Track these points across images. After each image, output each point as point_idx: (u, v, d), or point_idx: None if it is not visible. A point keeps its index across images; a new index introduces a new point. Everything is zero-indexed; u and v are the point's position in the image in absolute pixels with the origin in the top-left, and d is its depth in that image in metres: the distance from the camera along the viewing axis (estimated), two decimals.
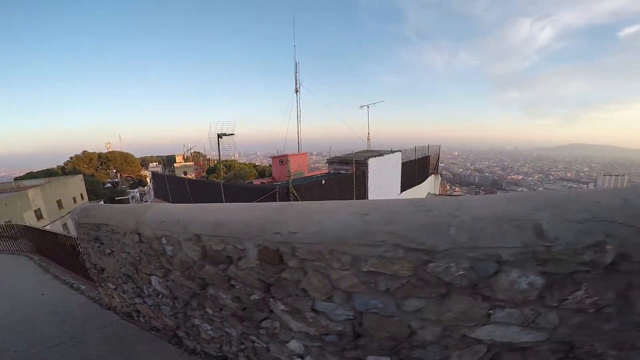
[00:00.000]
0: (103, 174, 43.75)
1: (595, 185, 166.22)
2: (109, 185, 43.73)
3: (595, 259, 1.00)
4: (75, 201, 29.57)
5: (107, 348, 2.74)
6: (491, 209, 1.18)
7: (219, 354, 2.23)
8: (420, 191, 13.16)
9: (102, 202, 34.58)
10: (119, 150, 64.60)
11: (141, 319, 3.05)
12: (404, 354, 1.32)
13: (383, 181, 9.46)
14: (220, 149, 11.30)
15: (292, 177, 13.43)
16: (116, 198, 32.23)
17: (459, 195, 20.42)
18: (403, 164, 11.60)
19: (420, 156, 14.50)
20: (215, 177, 41.14)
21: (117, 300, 3.35)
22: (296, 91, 18.19)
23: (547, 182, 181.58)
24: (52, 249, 6.17)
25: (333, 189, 7.43)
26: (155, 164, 66.29)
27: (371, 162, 8.49)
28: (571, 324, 1.07)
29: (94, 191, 35.61)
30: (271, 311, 1.62)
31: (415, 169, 12.44)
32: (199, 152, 78.41)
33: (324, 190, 7.15)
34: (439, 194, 16.02)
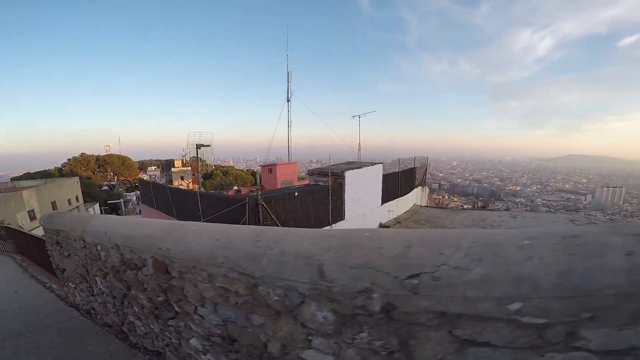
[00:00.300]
0: (100, 176, 43.97)
1: (593, 197, 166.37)
2: (105, 188, 43.91)
3: (365, 304, 1.04)
4: (70, 203, 29.79)
5: (59, 340, 3.06)
6: (298, 244, 1.31)
7: (154, 349, 2.51)
8: (404, 203, 13.44)
9: (97, 205, 34.84)
10: (118, 153, 64.91)
11: (97, 315, 3.35)
12: None
13: (362, 193, 9.75)
14: (199, 158, 11.56)
15: (280, 187, 13.68)
16: (108, 202, 32.45)
17: (445, 207, 20.80)
18: (385, 176, 11.88)
19: (405, 168, 14.82)
20: (212, 183, 41.35)
21: (79, 298, 3.67)
22: (288, 100, 18.63)
23: (545, 193, 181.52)
24: (32, 250, 6.46)
25: (307, 201, 7.70)
26: (154, 167, 66.51)
27: (348, 174, 8.78)
28: None
29: (90, 194, 35.82)
30: (177, 312, 1.91)
31: (399, 180, 12.71)
32: (197, 157, 78.80)
33: (297, 203, 7.42)
34: (426, 206, 16.29)
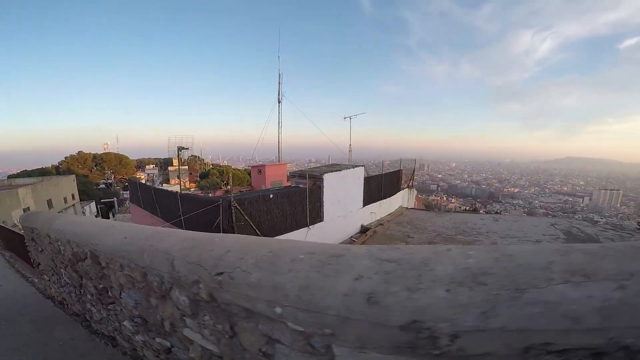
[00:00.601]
0: (97, 175, 44.23)
1: (590, 199, 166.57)
2: (102, 186, 44.18)
3: (199, 292, 1.32)
4: (66, 201, 30.07)
5: (31, 327, 3.43)
6: (167, 243, 1.64)
7: (109, 334, 2.85)
8: (388, 205, 13.77)
9: (93, 203, 35.12)
10: (116, 151, 65.17)
11: (67, 305, 3.71)
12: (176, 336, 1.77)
13: (342, 196, 10.08)
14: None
15: (270, 187, 14.00)
16: (102, 200, 32.76)
17: (430, 210, 21.07)
18: (368, 178, 12.22)
19: (390, 170, 15.17)
20: (208, 182, 41.65)
21: (53, 290, 4.04)
22: (279, 102, 19.00)
23: (543, 195, 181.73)
24: (18, 246, 6.80)
25: (283, 203, 8.02)
26: (152, 166, 66.77)
27: (327, 177, 9.11)
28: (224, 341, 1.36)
29: (87, 192, 36.10)
30: (110, 297, 2.26)
31: (382, 183, 13.04)
32: (195, 156, 78.98)
33: (272, 205, 7.75)
34: (412, 208, 16.62)
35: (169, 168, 52.03)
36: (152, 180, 53.27)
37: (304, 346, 0.98)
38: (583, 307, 0.68)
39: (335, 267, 1.01)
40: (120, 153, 51.79)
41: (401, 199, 16.25)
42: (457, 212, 17.58)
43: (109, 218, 33.73)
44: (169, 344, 1.76)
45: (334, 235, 10.00)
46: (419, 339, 0.77)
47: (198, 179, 51.24)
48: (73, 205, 31.20)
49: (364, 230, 11.59)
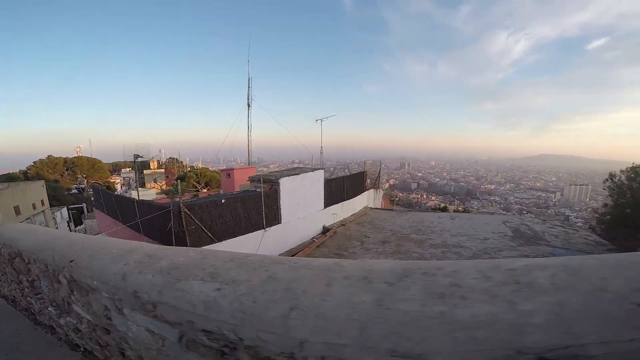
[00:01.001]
0: (69, 179, 43.08)
1: (562, 195, 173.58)
2: (74, 191, 43.10)
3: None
4: (35, 207, 29.30)
5: None
6: (51, 242, 2.25)
7: (50, 324, 3.23)
8: (351, 206, 14.33)
9: (64, 209, 34.30)
10: (89, 155, 63.37)
11: (16, 302, 4.05)
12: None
13: (300, 198, 10.56)
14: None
15: (238, 190, 14.29)
16: (70, 206, 32.13)
17: (392, 210, 21.82)
18: (330, 181, 12.75)
19: (354, 172, 15.79)
20: (185, 186, 41.28)
21: (5, 289, 4.36)
22: (248, 106, 19.29)
23: (518, 191, 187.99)
24: None
25: (236, 207, 8.42)
26: (128, 169, 65.28)
27: (283, 181, 9.55)
28: None
29: (57, 197, 35.20)
30: (35, 287, 2.67)
31: (345, 185, 13.61)
32: (174, 158, 77.68)
33: (225, 209, 8.12)
34: (376, 208, 17.28)
35: (145, 172, 51.13)
36: (129, 184, 52.20)
37: (115, 308, 1.50)
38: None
39: (119, 254, 1.62)
40: (93, 157, 50.59)
41: (366, 199, 16.90)
42: (418, 211, 18.38)
43: (81, 223, 33.11)
44: (75, 321, 2.19)
45: (293, 236, 10.48)
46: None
47: (175, 182, 50.55)
48: (43, 211, 30.39)
49: (325, 231, 12.12)
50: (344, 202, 13.77)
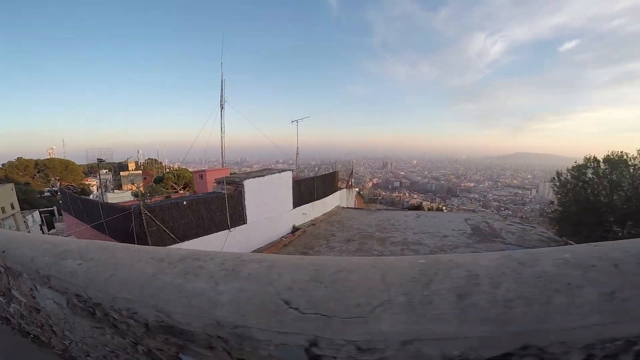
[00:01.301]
0: (41, 182, 41.80)
1: (537, 192, 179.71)
2: (47, 194, 41.84)
3: None
4: (4, 211, 28.41)
5: None
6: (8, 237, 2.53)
7: (5, 315, 3.45)
8: (322, 205, 14.73)
9: (36, 212, 33.31)
10: (63, 156, 61.36)
11: None
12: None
13: (267, 199, 10.87)
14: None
15: (211, 191, 14.43)
16: (42, 209, 31.32)
17: (363, 209, 22.24)
18: (299, 181, 13.11)
19: (328, 172, 16.21)
20: (163, 187, 40.72)
21: None
22: (221, 107, 19.41)
23: (496, 188, 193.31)
24: None
25: (199, 209, 8.68)
26: (105, 171, 63.63)
27: (247, 182, 9.84)
28: None
29: (28, 201, 34.18)
30: None
31: (315, 185, 13.99)
32: (153, 159, 76.12)
33: (188, 211, 8.36)
34: (348, 207, 17.74)
35: (121, 173, 50.14)
36: (105, 187, 50.90)
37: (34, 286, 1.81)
38: None
39: (36, 245, 1.94)
40: (67, 159, 49.18)
41: (339, 199, 17.36)
42: (388, 209, 18.97)
43: (53, 226, 32.24)
44: (18, 307, 2.46)
45: (260, 236, 10.79)
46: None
47: (153, 183, 49.76)
48: (13, 215, 29.50)
49: (295, 230, 12.48)
50: (315, 202, 14.17)
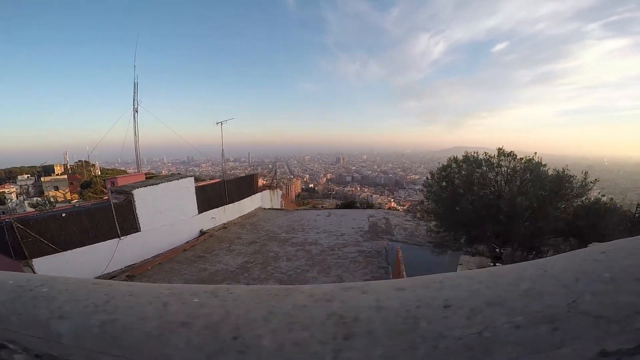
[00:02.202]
0: None
1: None
2: None
3: None
4: None
5: None
6: None
7: None
8: (237, 208, 14.91)
9: None
10: None
11: None
12: None
13: (164, 206, 10.83)
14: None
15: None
16: None
17: (281, 209, 22.61)
18: (205, 187, 13.17)
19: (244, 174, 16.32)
20: (91, 193, 37.74)
21: None
22: (135, 111, 18.67)
23: None
24: None
25: (82, 221, 8.48)
26: (26, 176, 57.16)
27: (137, 191, 9.73)
28: None
29: None
30: None
31: (226, 189, 14.12)
32: (83, 161, 69.89)
33: (68, 221, 8.15)
34: (268, 208, 18.05)
35: (42, 178, 45.50)
36: (27, 193, 45.87)
37: None
38: None
39: None
40: None
41: (260, 200, 17.63)
42: (305, 209, 19.60)
43: None
44: None
45: (160, 242, 10.71)
46: None
47: (80, 189, 46.01)
48: None
49: (202, 234, 12.54)
50: (227, 205, 14.30)
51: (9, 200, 40.95)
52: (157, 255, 10.37)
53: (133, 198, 9.63)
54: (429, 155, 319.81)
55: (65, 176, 50.11)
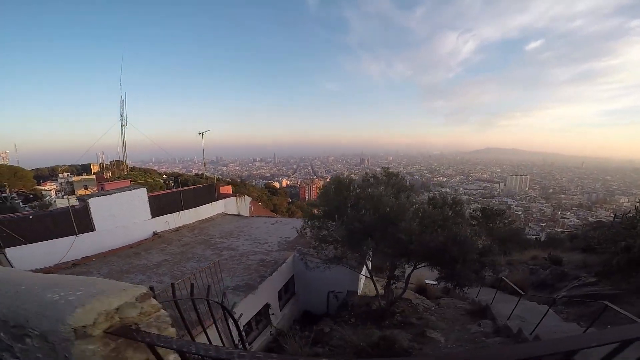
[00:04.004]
0: None
1: (505, 184, 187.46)
2: None
3: None
4: None
5: None
6: None
7: None
8: (195, 213, 17.80)
9: None
10: (16, 161, 62.16)
11: None
12: None
13: (119, 211, 13.92)
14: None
15: None
16: None
17: (240, 216, 24.72)
18: (159, 196, 16.16)
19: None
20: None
21: None
22: (122, 125, 22.04)
23: (467, 182, 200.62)
24: None
25: (46, 221, 11.71)
26: (67, 174, 63.99)
27: (92, 200, 12.77)
28: None
29: None
30: None
31: (182, 197, 17.11)
32: (118, 161, 76.71)
33: (35, 221, 11.42)
34: (229, 214, 20.83)
35: (73, 178, 51.19)
36: (64, 191, 51.64)
37: None
38: None
39: None
40: (18, 164, 50.67)
41: (224, 207, 20.49)
42: (261, 216, 22.07)
43: None
44: None
45: (114, 240, 13.67)
46: None
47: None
48: None
49: (154, 235, 15.56)
50: (183, 211, 17.30)
51: (47, 197, 47.18)
52: (110, 251, 13.46)
53: (89, 205, 12.81)
54: (459, 157, 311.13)
55: (94, 176, 55.72)
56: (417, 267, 9.37)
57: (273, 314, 10.54)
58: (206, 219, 18.78)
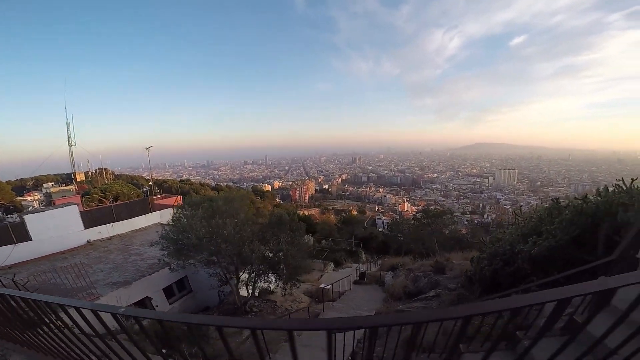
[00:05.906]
0: None
1: (494, 179, 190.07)
2: None
3: None
4: None
5: None
6: None
7: None
8: (129, 224, 21.30)
9: None
10: None
11: None
12: None
13: (53, 224, 17.50)
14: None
15: None
16: None
17: None
18: (91, 210, 19.76)
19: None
20: (90, 201, 45.51)
21: None
22: (70, 145, 25.13)
23: (457, 178, 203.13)
24: None
25: None
26: (51, 184, 64.87)
27: (27, 217, 16.49)
28: None
29: None
30: None
31: (114, 210, 20.74)
32: (104, 169, 77.99)
33: None
34: (164, 223, 24.42)
35: (51, 190, 53.37)
36: (44, 201, 52.63)
37: None
38: None
39: None
40: None
41: (159, 217, 23.95)
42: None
43: None
44: None
45: (50, 247, 17.06)
46: None
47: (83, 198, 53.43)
48: None
49: (88, 242, 19.15)
50: (116, 222, 20.86)
51: (30, 208, 49.99)
52: (43, 256, 17.06)
53: (24, 220, 16.47)
54: (449, 153, 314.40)
55: (72, 187, 57.85)
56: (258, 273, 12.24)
57: (157, 306, 13.29)
58: (140, 228, 22.30)
